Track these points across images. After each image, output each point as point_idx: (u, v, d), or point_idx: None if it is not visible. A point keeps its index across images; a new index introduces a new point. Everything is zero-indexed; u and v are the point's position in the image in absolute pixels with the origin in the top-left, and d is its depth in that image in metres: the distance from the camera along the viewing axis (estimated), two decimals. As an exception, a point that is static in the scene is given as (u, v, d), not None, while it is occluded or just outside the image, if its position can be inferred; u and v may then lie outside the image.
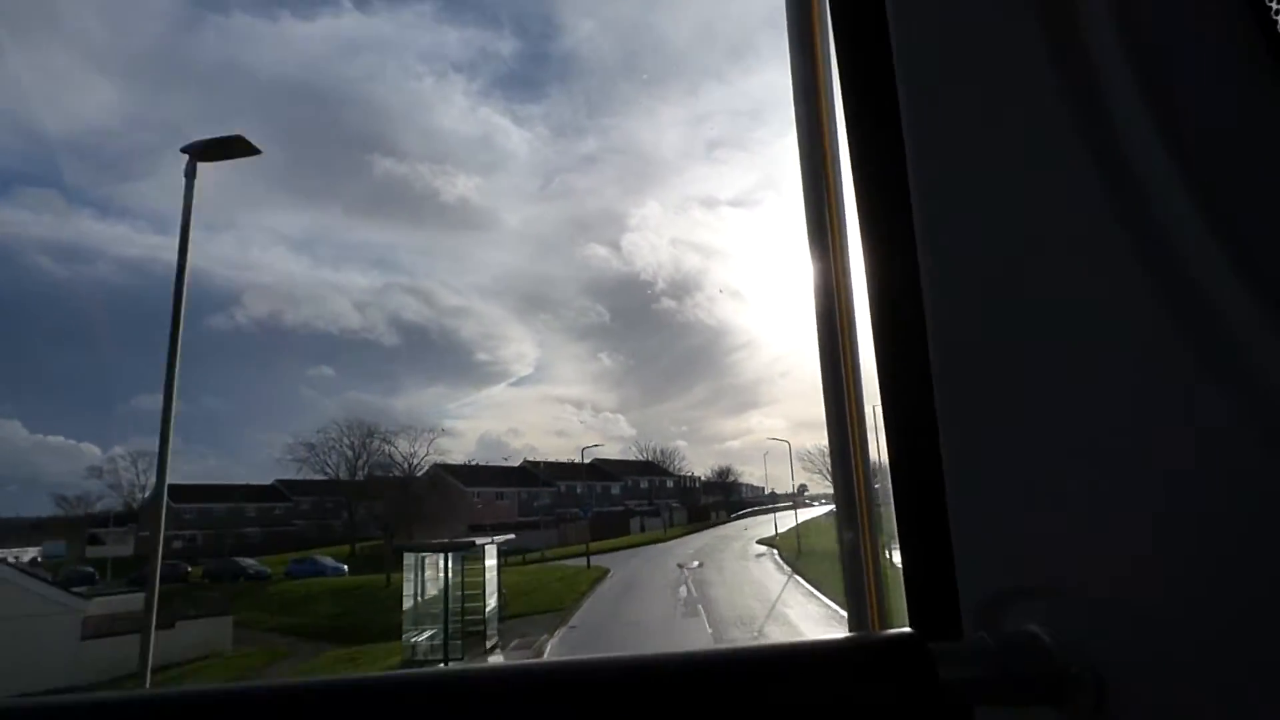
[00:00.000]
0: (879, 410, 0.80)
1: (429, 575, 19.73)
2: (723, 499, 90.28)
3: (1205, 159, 0.44)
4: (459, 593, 19.00)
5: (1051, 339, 0.54)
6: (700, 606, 24.30)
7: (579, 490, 71.79)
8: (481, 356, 68.91)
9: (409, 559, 20.52)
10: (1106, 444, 0.49)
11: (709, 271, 68.87)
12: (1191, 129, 0.45)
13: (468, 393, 70.02)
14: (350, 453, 60.99)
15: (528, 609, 26.41)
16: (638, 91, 63.86)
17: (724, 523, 71.73)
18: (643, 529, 65.66)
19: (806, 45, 0.88)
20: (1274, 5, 0.45)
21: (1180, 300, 0.43)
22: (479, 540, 20.55)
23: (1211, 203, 0.43)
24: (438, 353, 65.62)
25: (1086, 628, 0.52)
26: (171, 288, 10.55)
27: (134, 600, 27.34)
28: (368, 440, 61.33)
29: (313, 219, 61.20)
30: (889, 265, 0.76)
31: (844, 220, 0.86)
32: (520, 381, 70.86)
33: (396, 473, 61.53)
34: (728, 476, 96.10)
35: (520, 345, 69.45)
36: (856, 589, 0.84)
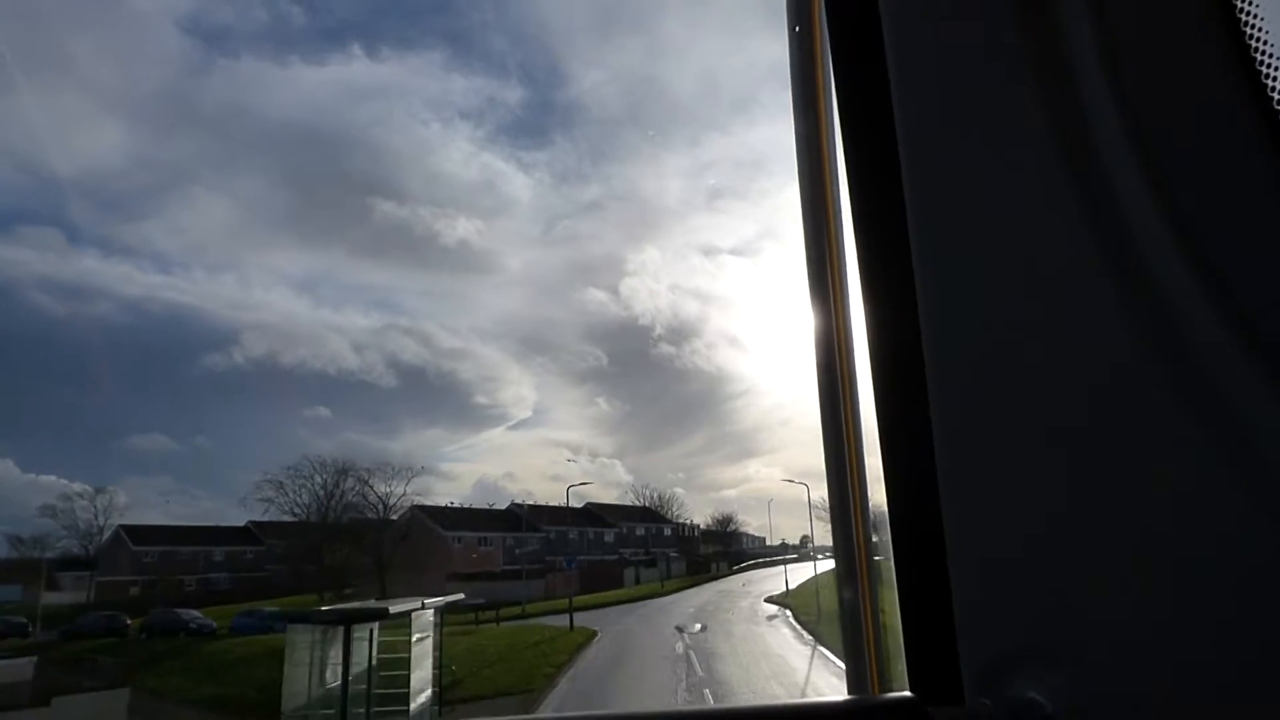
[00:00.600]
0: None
1: (331, 655, 13.82)
2: (722, 549, 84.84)
3: (1193, 212, 0.45)
4: (365, 681, 13.40)
5: (1052, 400, 0.54)
6: (707, 691, 19.41)
7: (571, 536, 66.50)
8: (480, 399, 67.91)
9: (295, 633, 14.27)
10: (1107, 508, 0.49)
11: (708, 319, 69.55)
12: (1177, 179, 0.46)
13: (466, 435, 69.36)
14: (322, 492, 56.22)
15: (485, 689, 20.82)
16: (641, 140, 63.44)
17: (725, 575, 66.29)
18: (638, 580, 60.26)
19: (810, 101, 0.91)
20: (1251, 38, 0.47)
21: (1182, 365, 0.43)
22: (396, 607, 14.44)
23: (1209, 268, 0.43)
24: (436, 395, 64.36)
25: (1089, 697, 0.50)
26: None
27: (21, 667, 22.38)
28: (341, 478, 56.66)
29: (315, 260, 60.74)
30: (889, 320, 0.76)
31: (845, 275, 0.86)
32: (519, 425, 69.76)
33: (371, 514, 56.60)
34: (728, 525, 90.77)
35: (519, 388, 68.68)
36: (856, 649, 0.83)
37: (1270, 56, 0.47)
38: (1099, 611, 0.50)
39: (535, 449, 65.86)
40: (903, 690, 0.64)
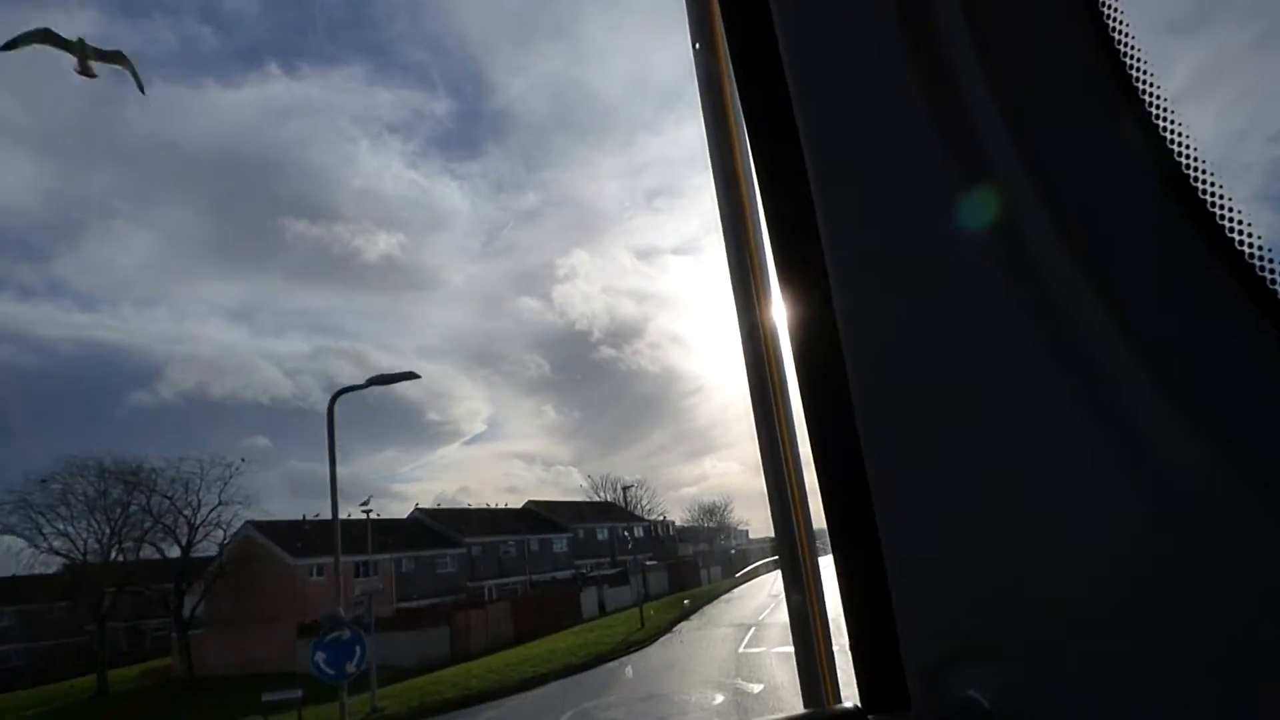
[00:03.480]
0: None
1: None
2: (708, 548, 66.68)
3: (1073, 208, 0.47)
4: None
5: (963, 400, 0.55)
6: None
7: (505, 549, 46.98)
8: (433, 417, 66.64)
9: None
10: (1026, 506, 0.50)
11: (654, 319, 69.88)
12: (1058, 178, 0.48)
13: (420, 454, 67.05)
14: (99, 516, 35.33)
15: None
16: (574, 144, 64.90)
17: (728, 589, 47.20)
18: (601, 608, 40.99)
19: (719, 113, 0.92)
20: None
21: (1074, 362, 0.45)
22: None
23: (1091, 263, 0.46)
24: (386, 417, 63.06)
25: (1022, 689, 0.52)
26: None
27: None
28: (130, 491, 35.79)
29: (249, 288, 57.33)
30: (809, 323, 0.77)
31: (767, 280, 0.87)
32: (474, 440, 68.29)
33: (171, 542, 36.03)
34: (712, 517, 72.54)
35: (472, 403, 68.36)
36: (808, 660, 0.82)
37: (1136, 51, 0.50)
38: (1027, 609, 0.51)
39: (491, 462, 65.20)
40: (850, 703, 0.66)
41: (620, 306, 69.21)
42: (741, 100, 0.85)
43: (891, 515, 0.65)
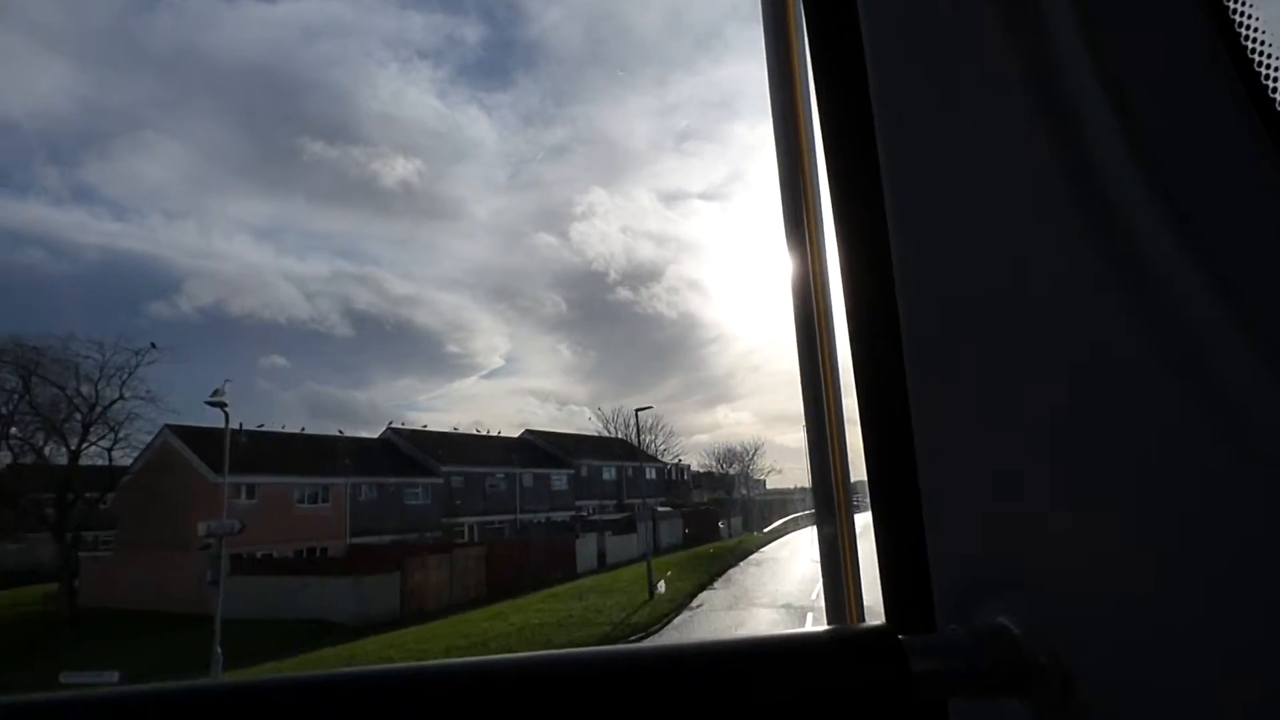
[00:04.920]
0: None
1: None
2: (725, 497, 59.52)
3: (1173, 165, 0.46)
4: None
5: (1019, 334, 0.56)
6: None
7: (492, 482, 39.77)
8: (452, 349, 65.17)
9: None
10: (1074, 438, 0.51)
11: (679, 264, 69.36)
12: (1155, 137, 0.47)
13: (438, 385, 66.29)
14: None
15: None
16: (606, 81, 62.64)
17: (752, 549, 39.55)
18: (601, 559, 33.65)
19: (782, 40, 0.91)
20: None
21: (1146, 296, 0.45)
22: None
23: (1174, 203, 0.45)
24: (406, 345, 60.52)
25: (1054, 619, 0.53)
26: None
27: None
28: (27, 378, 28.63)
29: (272, 206, 54.02)
30: (863, 260, 0.79)
31: (820, 215, 0.90)
32: (491, 374, 68.29)
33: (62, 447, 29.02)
34: (731, 465, 65.09)
35: (491, 337, 67.76)
36: (835, 583, 0.87)
37: (1263, 45, 0.49)
38: (1067, 540, 0.52)
39: (507, 398, 65.43)
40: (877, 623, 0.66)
41: (642, 249, 68.25)
42: (810, 42, 0.84)
43: (932, 449, 0.67)
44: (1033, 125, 0.52)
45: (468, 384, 68.78)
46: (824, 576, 0.87)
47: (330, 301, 56.32)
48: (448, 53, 59.87)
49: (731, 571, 28.98)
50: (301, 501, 30.51)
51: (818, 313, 0.86)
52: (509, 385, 69.98)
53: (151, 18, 49.70)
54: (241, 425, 31.55)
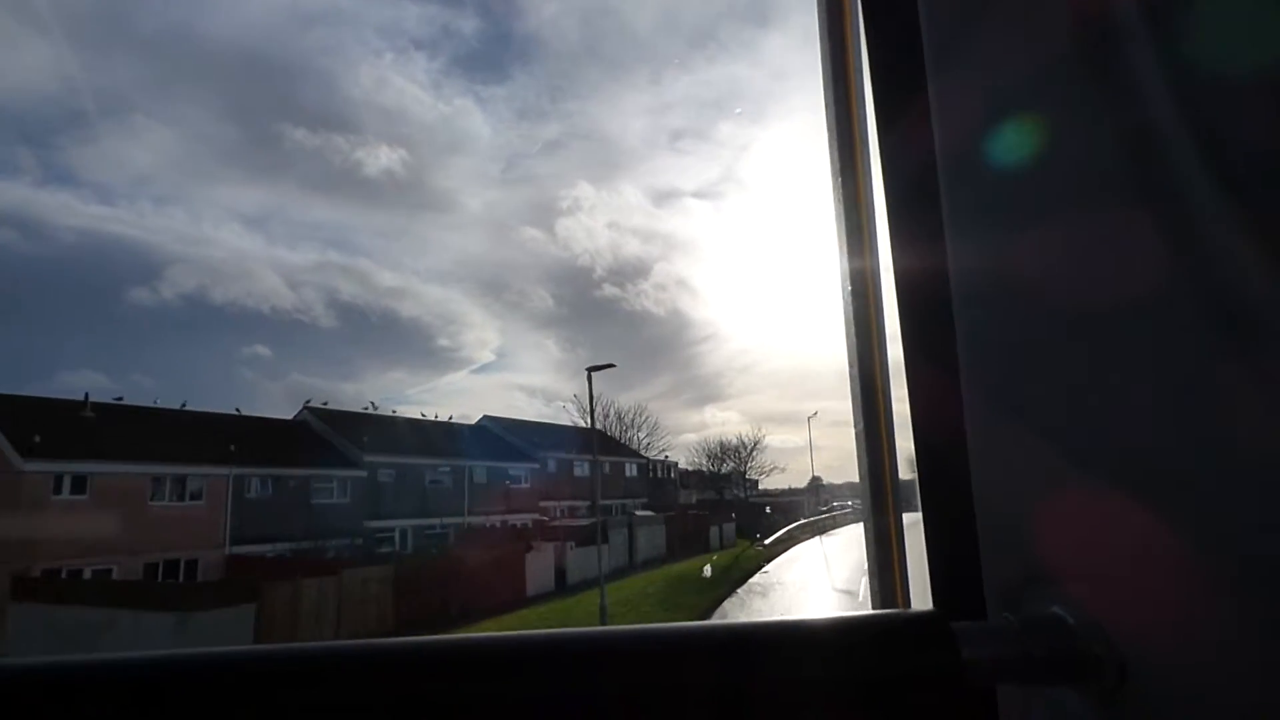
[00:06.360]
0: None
1: None
2: (717, 497, 52.40)
3: (1243, 170, 0.44)
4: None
5: (1075, 332, 0.56)
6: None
7: (436, 475, 32.39)
8: (443, 342, 62.04)
9: None
10: (1128, 434, 0.51)
11: (671, 261, 67.25)
12: (1229, 137, 0.45)
13: (428, 379, 63.19)
14: None
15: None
16: (602, 76, 59.95)
17: (751, 568, 32.22)
18: (560, 579, 26.31)
19: (837, 41, 0.92)
20: None
21: (1204, 300, 0.44)
22: None
23: (1246, 202, 0.43)
24: (397, 337, 57.27)
25: (1109, 610, 0.53)
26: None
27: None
28: None
29: (262, 194, 50.26)
30: (918, 256, 0.79)
31: (874, 215, 0.90)
32: (482, 368, 66.05)
33: None
34: (724, 462, 57.84)
35: (483, 332, 65.57)
36: (884, 569, 0.88)
37: None
38: (1120, 533, 0.52)
39: (496, 392, 63.60)
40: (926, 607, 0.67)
41: (635, 246, 66.41)
42: (866, 40, 0.83)
43: (985, 435, 0.67)
44: (1099, 125, 0.51)
45: (459, 378, 66.72)
46: (871, 561, 0.88)
47: (315, 291, 53.98)
48: (443, 44, 57.45)
49: (728, 604, 21.64)
50: (160, 498, 22.97)
51: (870, 306, 0.86)
52: (500, 380, 68.45)
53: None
54: (88, 396, 23.98)
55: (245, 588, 17.37)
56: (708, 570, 25.78)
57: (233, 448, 25.04)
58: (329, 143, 53.64)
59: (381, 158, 55.16)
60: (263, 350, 53.72)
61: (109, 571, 20.88)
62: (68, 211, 45.30)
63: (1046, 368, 0.59)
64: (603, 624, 11.25)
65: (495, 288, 68.20)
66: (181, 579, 22.29)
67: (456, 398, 65.92)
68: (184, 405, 27.08)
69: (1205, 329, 0.44)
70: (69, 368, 51.57)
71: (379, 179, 55.23)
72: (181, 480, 23.51)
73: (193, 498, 23.73)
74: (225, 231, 50.74)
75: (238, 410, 28.71)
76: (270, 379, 55.07)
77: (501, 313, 65.57)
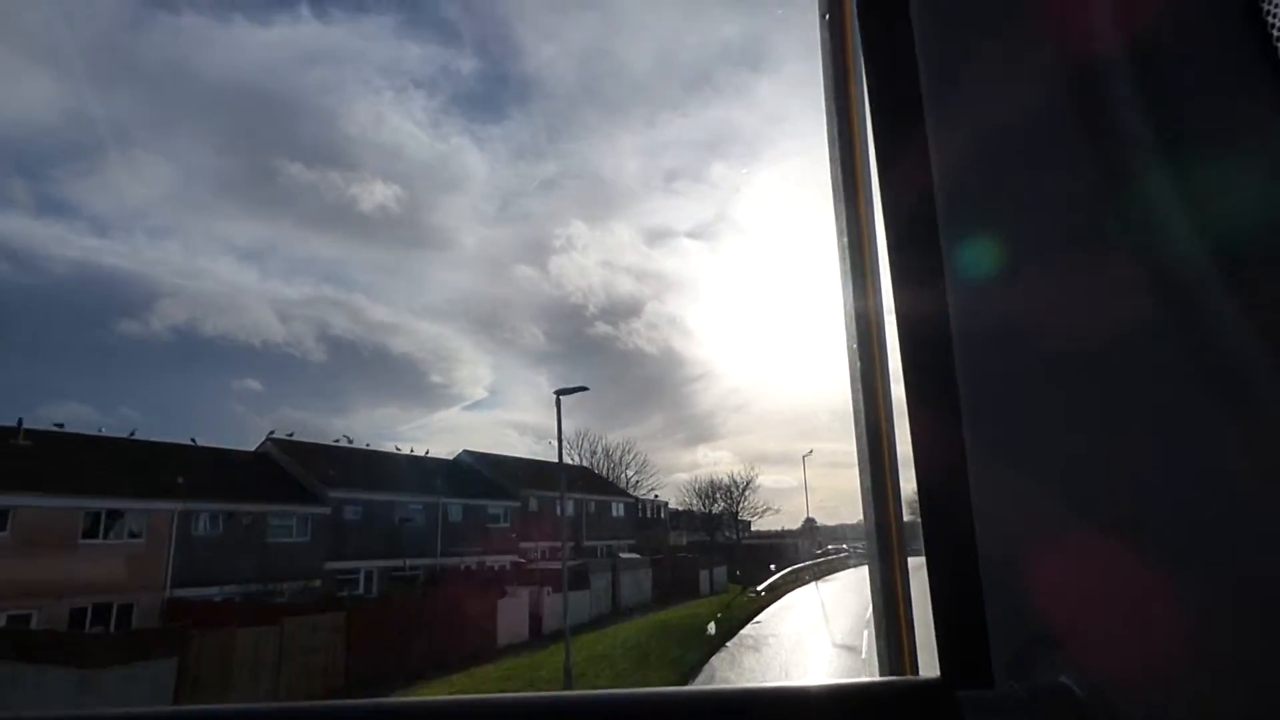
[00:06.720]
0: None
1: None
2: (707, 539, 50.19)
3: (1227, 217, 0.44)
4: None
5: (1075, 385, 0.55)
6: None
7: (409, 512, 30.31)
8: (436, 378, 61.88)
9: None
10: (1140, 493, 0.49)
11: (666, 300, 67.82)
12: (1209, 171, 0.45)
13: (420, 415, 62.22)
14: None
15: None
16: (598, 118, 60.58)
17: (743, 616, 30.08)
18: (537, 626, 24.15)
19: (841, 86, 0.94)
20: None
21: (1203, 350, 0.43)
22: None
23: (1234, 258, 0.43)
24: (390, 373, 56.78)
25: (1120, 681, 0.51)
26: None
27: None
28: None
29: (260, 230, 50.06)
30: (918, 297, 0.78)
31: (877, 260, 0.89)
32: (474, 405, 65.60)
33: None
34: (715, 502, 55.73)
35: (475, 368, 65.25)
36: (892, 633, 0.85)
37: None
38: (1131, 600, 0.50)
39: (489, 430, 63.65)
40: (933, 674, 0.67)
41: (629, 285, 67.20)
42: (869, 91, 0.83)
43: (990, 499, 0.66)
44: (1088, 167, 0.50)
45: (450, 414, 66.22)
46: (876, 624, 0.85)
47: (307, 325, 53.62)
48: (442, 83, 57.77)
49: (716, 660, 19.53)
50: (93, 535, 20.88)
51: (875, 361, 0.85)
52: (492, 417, 67.99)
53: (143, 34, 46.37)
54: (21, 421, 22.05)
55: (171, 638, 15.30)
56: (712, 628, 23.65)
57: (180, 480, 23.02)
58: (325, 178, 53.89)
59: (377, 194, 55.31)
60: (254, 384, 53.17)
61: (28, 618, 18.68)
62: (61, 243, 45.11)
63: (1046, 410, 0.57)
64: (566, 688, 9.41)
65: (488, 325, 68.18)
66: (113, 626, 20.04)
67: (448, 434, 65.62)
68: (132, 434, 25.13)
69: (1194, 377, 0.43)
70: (56, 400, 50.85)
71: (374, 215, 55.36)
72: (119, 515, 21.44)
73: (131, 535, 21.62)
74: (219, 264, 50.82)
75: (193, 440, 26.70)
76: (260, 413, 54.53)
77: (494, 350, 65.50)
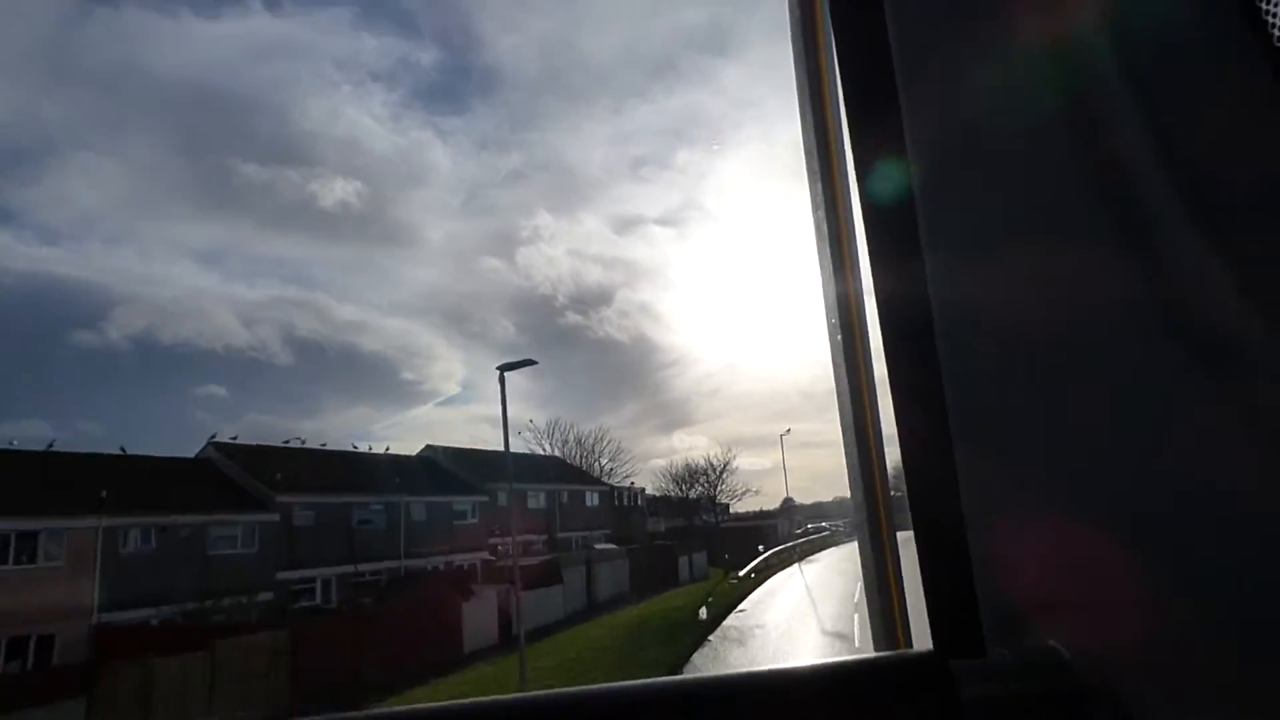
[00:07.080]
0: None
1: None
2: (686, 524, 49.05)
3: (1215, 199, 0.43)
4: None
5: (1060, 358, 0.55)
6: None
7: (367, 514, 28.48)
8: (408, 375, 59.44)
9: None
10: (1120, 462, 0.50)
11: (634, 288, 66.69)
12: (1201, 166, 0.44)
13: (393, 414, 59.44)
14: None
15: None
16: (562, 107, 58.91)
17: (728, 603, 28.78)
18: (505, 628, 22.55)
19: (813, 64, 0.93)
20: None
21: (1185, 322, 0.44)
22: None
23: (1218, 234, 0.42)
24: (360, 372, 54.17)
25: (1105, 643, 0.53)
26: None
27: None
28: None
29: (217, 231, 48.20)
30: (897, 278, 0.80)
31: (855, 240, 0.90)
32: (448, 401, 63.14)
33: None
34: (693, 487, 54.62)
35: (448, 364, 62.16)
36: (884, 610, 0.86)
37: None
38: (1116, 564, 0.51)
39: (463, 425, 62.49)
40: (926, 647, 0.68)
41: (597, 274, 65.53)
42: (841, 70, 0.83)
43: (975, 473, 0.67)
44: (1069, 150, 0.50)
45: (425, 411, 64.13)
46: (870, 602, 0.85)
47: (271, 328, 51.18)
48: (401, 76, 55.84)
49: (697, 657, 18.18)
50: (1, 561, 18.74)
51: (855, 340, 0.86)
52: (468, 412, 66.40)
53: (82, 31, 43.68)
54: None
55: (76, 676, 13.44)
56: (704, 612, 22.39)
57: (104, 494, 20.91)
58: (283, 176, 51.01)
59: (338, 191, 52.98)
60: (218, 390, 50.83)
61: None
62: (7, 253, 42.70)
63: (1034, 390, 0.58)
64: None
65: (458, 319, 66.86)
66: (32, 661, 18.00)
67: (424, 431, 64.62)
68: (51, 445, 22.86)
69: (1180, 357, 0.43)
70: (9, 419, 49.20)
71: (336, 212, 53.07)
72: (31, 537, 19.31)
73: (48, 558, 19.53)
74: (177, 269, 48.72)
75: (122, 449, 24.51)
76: (226, 420, 53.84)
77: (465, 344, 63.89)
